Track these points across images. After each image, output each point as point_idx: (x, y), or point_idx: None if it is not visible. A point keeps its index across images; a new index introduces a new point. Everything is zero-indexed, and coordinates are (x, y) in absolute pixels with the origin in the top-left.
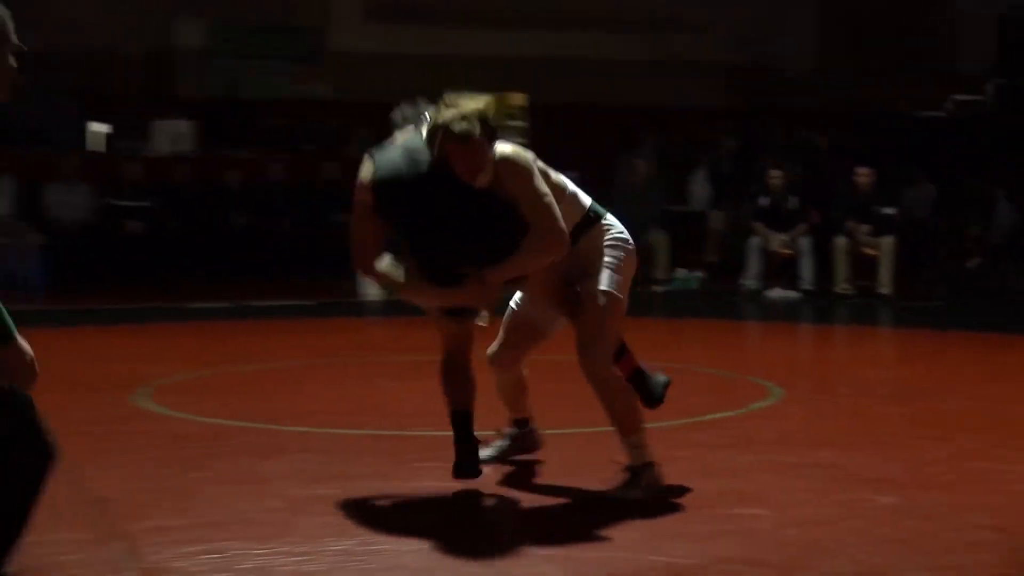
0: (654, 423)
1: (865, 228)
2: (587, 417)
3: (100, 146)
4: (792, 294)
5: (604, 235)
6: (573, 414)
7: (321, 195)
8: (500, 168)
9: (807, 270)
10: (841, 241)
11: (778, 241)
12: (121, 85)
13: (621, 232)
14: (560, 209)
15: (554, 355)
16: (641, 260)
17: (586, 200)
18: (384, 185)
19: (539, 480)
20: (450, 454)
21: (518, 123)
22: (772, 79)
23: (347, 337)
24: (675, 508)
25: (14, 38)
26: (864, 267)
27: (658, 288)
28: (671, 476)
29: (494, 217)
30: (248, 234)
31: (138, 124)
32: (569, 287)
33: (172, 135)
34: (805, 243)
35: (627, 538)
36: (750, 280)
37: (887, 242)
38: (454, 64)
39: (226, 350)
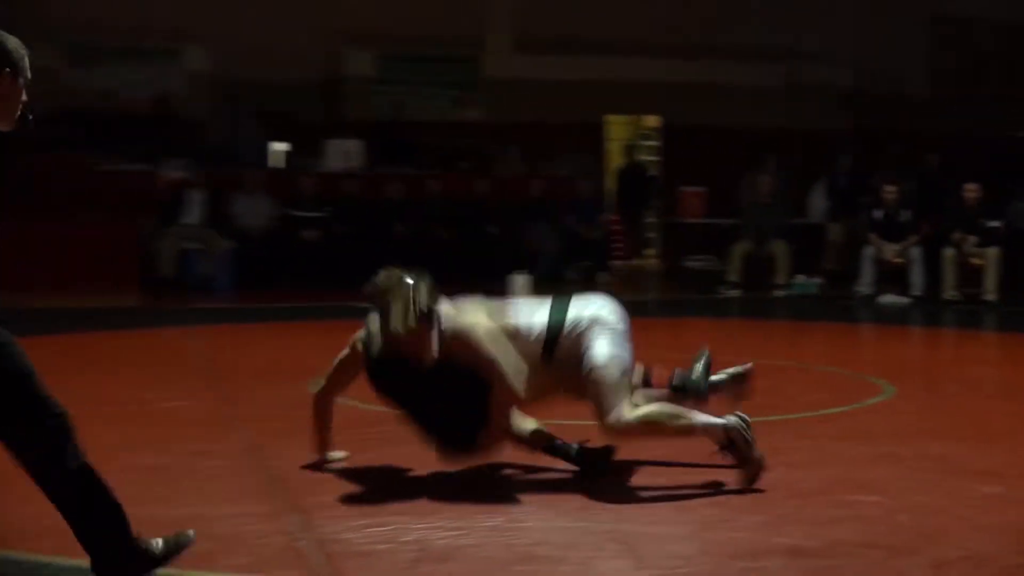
0: (777, 416)
1: (972, 239)
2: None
3: (280, 163)
4: (903, 300)
5: (574, 334)
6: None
7: (474, 208)
8: (453, 344)
9: (918, 278)
10: (950, 251)
11: (891, 251)
12: (299, 109)
13: (589, 320)
14: (519, 344)
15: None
16: (764, 267)
17: (541, 321)
18: (374, 365)
19: (674, 467)
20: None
21: (652, 143)
22: (887, 103)
23: None
24: (795, 494)
25: (28, 73)
26: (971, 275)
27: (779, 293)
28: (792, 465)
29: (463, 382)
30: (408, 242)
31: (313, 143)
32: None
33: (343, 153)
34: (916, 253)
35: (751, 521)
36: (864, 286)
37: (992, 252)
38: (596, 89)
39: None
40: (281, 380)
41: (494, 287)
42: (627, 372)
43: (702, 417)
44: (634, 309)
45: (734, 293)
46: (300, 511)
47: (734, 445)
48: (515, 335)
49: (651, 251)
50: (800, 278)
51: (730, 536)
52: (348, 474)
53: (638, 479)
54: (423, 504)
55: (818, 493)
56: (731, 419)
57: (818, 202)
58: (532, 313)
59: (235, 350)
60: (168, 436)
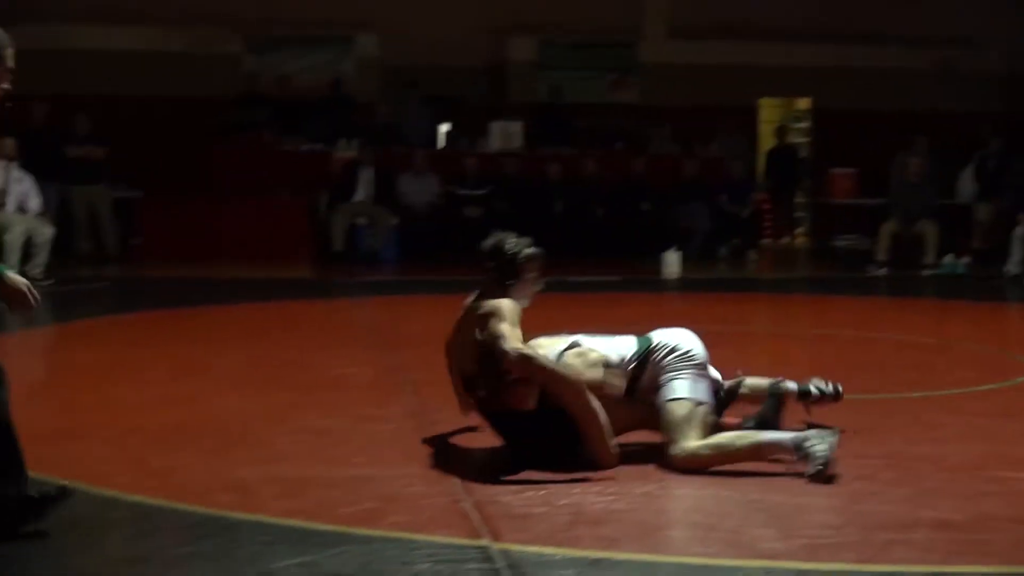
0: (925, 392)
1: None
2: (886, 384)
3: (445, 143)
4: None
5: (656, 364)
6: (877, 382)
7: (629, 187)
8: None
9: None
10: None
11: None
12: (464, 93)
13: (670, 350)
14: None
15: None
16: (912, 247)
17: (626, 351)
18: None
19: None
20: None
21: (803, 125)
22: None
23: (649, 308)
24: (944, 468)
25: (10, 62)
26: None
27: (927, 272)
28: (941, 440)
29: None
30: (566, 220)
31: (477, 125)
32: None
33: (504, 134)
34: None
35: (898, 494)
36: (1013, 266)
37: None
38: (748, 73)
39: (547, 316)
40: (443, 349)
41: (647, 264)
42: (702, 404)
43: (768, 435)
44: (782, 287)
45: (882, 272)
46: (460, 473)
47: (806, 455)
48: (607, 366)
49: (800, 230)
50: (948, 258)
51: (877, 508)
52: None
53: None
54: (580, 470)
55: (967, 468)
56: (792, 435)
57: (967, 183)
58: (619, 346)
59: (400, 320)
60: (336, 400)
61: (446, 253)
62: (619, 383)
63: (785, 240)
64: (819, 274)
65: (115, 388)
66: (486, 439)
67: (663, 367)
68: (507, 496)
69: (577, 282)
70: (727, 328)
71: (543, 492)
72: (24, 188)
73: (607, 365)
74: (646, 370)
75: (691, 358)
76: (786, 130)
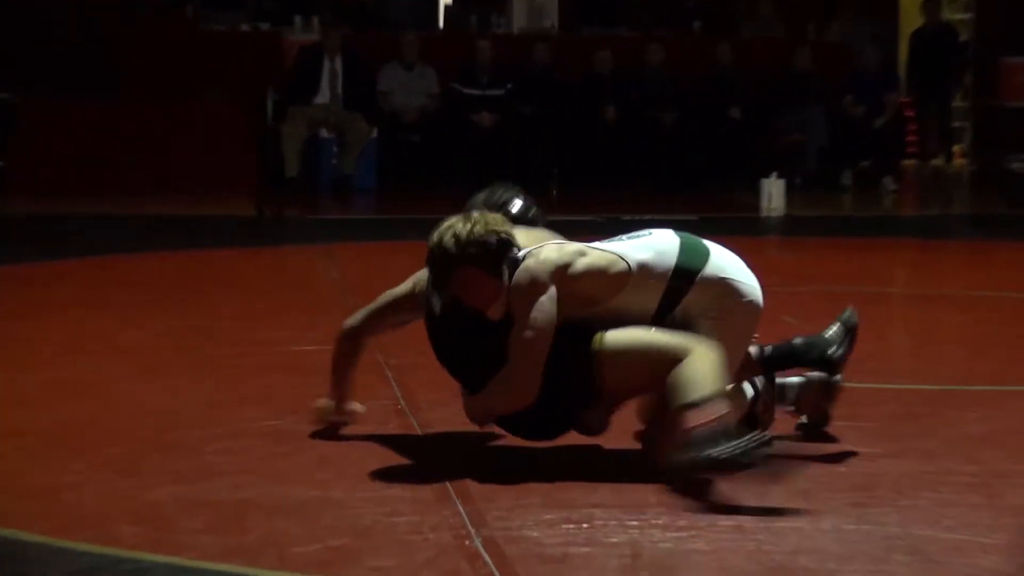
0: None
1: None
2: None
3: (446, 22)
4: None
5: (713, 297)
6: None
7: (710, 83)
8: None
9: None
10: None
11: None
12: None
13: (736, 290)
14: (628, 297)
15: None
16: None
17: (667, 260)
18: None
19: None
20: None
21: None
22: None
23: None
24: None
25: None
26: None
27: None
28: None
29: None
30: (620, 132)
31: None
32: None
33: (532, 9)
34: None
35: None
36: None
37: None
38: None
39: None
40: None
41: (737, 195)
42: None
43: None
44: (932, 228)
45: None
46: (468, 497)
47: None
48: (612, 287)
49: (958, 147)
50: None
51: None
52: (537, 449)
53: (920, 464)
54: (639, 493)
55: None
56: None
57: None
58: (652, 248)
59: (378, 276)
60: (289, 391)
61: (445, 179)
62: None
63: (937, 161)
64: (984, 209)
65: None
66: (498, 448)
67: (713, 299)
68: (533, 529)
69: (636, 222)
70: (851, 288)
71: (585, 525)
72: None
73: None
74: (683, 301)
75: (751, 299)
76: (939, 4)
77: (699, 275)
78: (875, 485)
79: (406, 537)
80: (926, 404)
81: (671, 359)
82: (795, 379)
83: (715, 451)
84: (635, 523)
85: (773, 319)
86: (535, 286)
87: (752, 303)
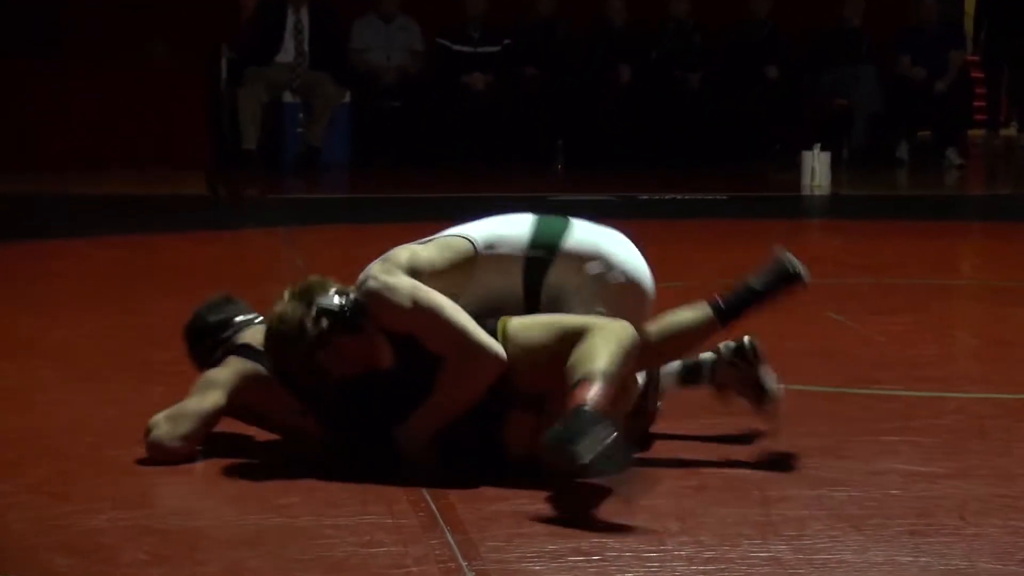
0: None
1: None
2: None
3: None
4: None
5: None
6: None
7: (742, 40)
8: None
9: None
10: None
11: None
12: None
13: (609, 264)
14: (485, 279)
15: None
16: None
17: (519, 231)
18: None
19: None
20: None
21: None
22: None
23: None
24: None
25: None
26: None
27: None
28: None
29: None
30: (637, 95)
31: None
32: None
33: None
34: None
35: None
36: None
37: None
38: None
39: None
40: None
41: (774, 170)
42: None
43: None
44: (1003, 208)
45: None
46: (458, 525)
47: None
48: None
49: None
50: None
51: None
52: (526, 469)
53: (989, 485)
54: (660, 518)
55: None
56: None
57: None
58: (498, 221)
59: (351, 265)
60: None
61: (430, 153)
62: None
63: (1008, 131)
64: None
65: None
66: (498, 470)
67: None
68: (534, 562)
69: (655, 202)
70: (907, 279)
71: (596, 558)
72: None
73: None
74: (548, 276)
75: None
76: None
77: (560, 247)
78: (935, 510)
79: (386, 571)
80: (996, 415)
81: (575, 337)
82: (706, 354)
83: (580, 447)
84: (654, 555)
85: (815, 315)
86: (398, 290)
87: (633, 284)
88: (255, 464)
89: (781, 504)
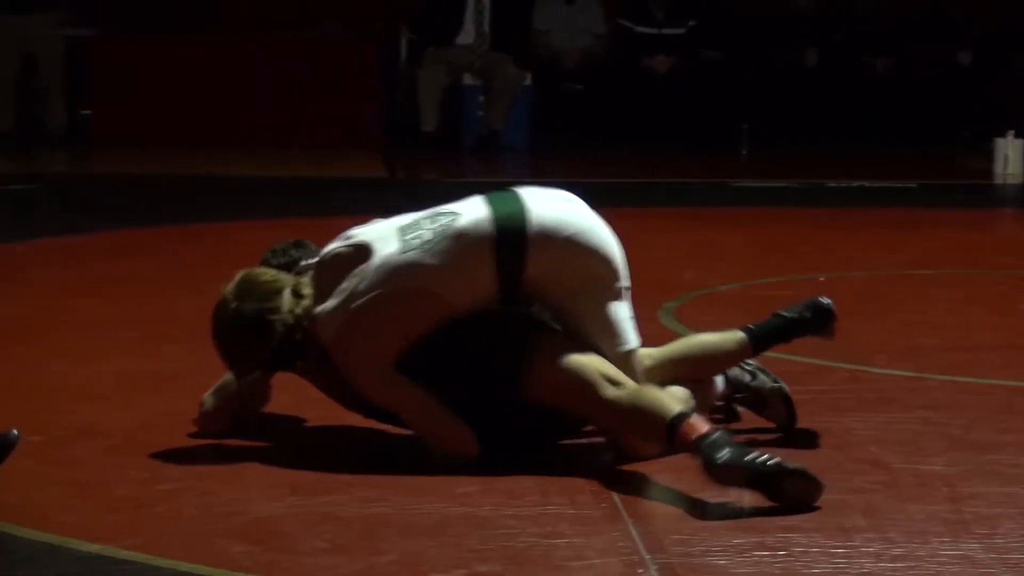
0: None
1: None
2: None
3: None
4: None
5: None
6: None
7: (934, 22)
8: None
9: None
10: None
11: None
12: None
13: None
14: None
15: None
16: None
17: (480, 231)
18: None
19: None
20: None
21: None
22: None
23: (969, 239)
24: None
25: None
26: None
27: None
28: None
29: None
30: (822, 80)
31: None
32: None
33: None
34: None
35: None
36: None
37: None
38: None
39: (790, 250)
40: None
41: (964, 156)
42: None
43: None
44: None
45: None
46: (640, 516)
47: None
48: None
49: None
50: None
51: None
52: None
53: None
54: (831, 513)
55: None
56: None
57: None
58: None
59: None
60: None
61: (611, 137)
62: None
63: None
64: None
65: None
66: (677, 458)
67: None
68: (719, 556)
69: (841, 189)
70: None
71: (782, 552)
72: None
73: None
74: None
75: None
76: None
77: (525, 234)
78: None
79: (567, 563)
80: None
81: (605, 384)
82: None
83: (746, 458)
84: (841, 550)
85: (1007, 308)
86: (367, 370)
87: (603, 256)
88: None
89: (972, 501)
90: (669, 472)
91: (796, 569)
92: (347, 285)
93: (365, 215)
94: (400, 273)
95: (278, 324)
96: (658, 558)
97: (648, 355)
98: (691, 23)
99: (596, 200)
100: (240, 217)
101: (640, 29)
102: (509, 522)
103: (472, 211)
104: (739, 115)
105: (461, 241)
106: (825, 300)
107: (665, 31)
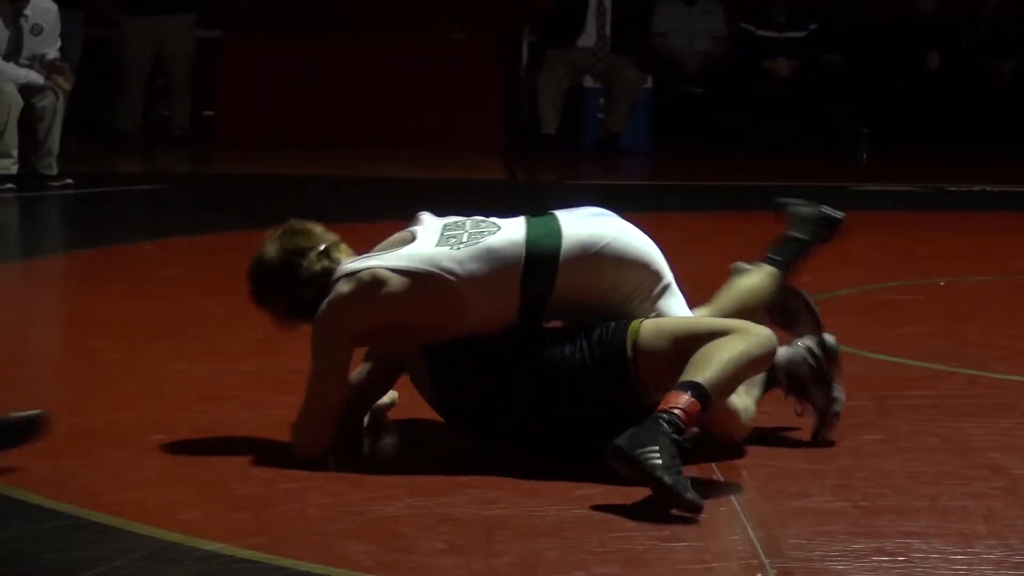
0: None
1: None
2: None
3: None
4: None
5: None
6: None
7: None
8: None
9: None
10: None
11: None
12: None
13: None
14: (478, 312)
15: None
16: None
17: (512, 254)
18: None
19: None
20: None
21: None
22: None
23: None
24: None
25: None
26: None
27: None
28: None
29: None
30: (945, 83)
31: None
32: None
33: None
34: None
35: None
36: None
37: None
38: None
39: (911, 254)
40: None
41: None
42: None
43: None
44: None
45: None
46: (760, 520)
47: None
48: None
49: None
50: None
51: None
52: (833, 463)
53: None
54: (952, 520)
55: None
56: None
57: None
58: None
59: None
60: None
61: (731, 140)
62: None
63: None
64: None
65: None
66: (796, 462)
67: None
68: (838, 561)
69: (962, 193)
70: None
71: (901, 558)
72: (47, 22)
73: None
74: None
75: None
76: None
77: (558, 260)
78: None
79: (686, 567)
80: None
81: (704, 340)
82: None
83: (653, 459)
84: (961, 557)
85: None
86: (323, 325)
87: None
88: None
89: None
90: (787, 476)
91: (915, 575)
92: (375, 253)
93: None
94: (429, 260)
95: (302, 271)
96: (777, 562)
97: (704, 315)
98: (812, 26)
99: (713, 203)
100: (363, 218)
101: (762, 32)
102: (628, 525)
103: (511, 230)
104: (860, 119)
105: (492, 255)
106: (836, 213)
107: (786, 34)
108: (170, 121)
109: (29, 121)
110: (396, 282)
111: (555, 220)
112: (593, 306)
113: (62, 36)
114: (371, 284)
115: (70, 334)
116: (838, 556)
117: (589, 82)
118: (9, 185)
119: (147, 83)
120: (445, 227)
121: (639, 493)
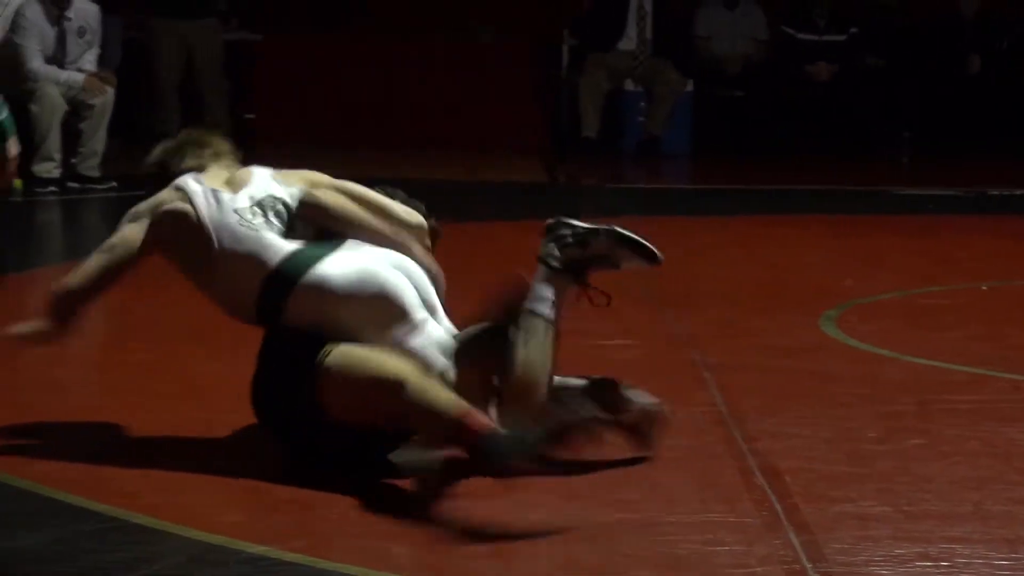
0: None
1: None
2: None
3: None
4: None
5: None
6: None
7: None
8: None
9: None
10: None
11: None
12: None
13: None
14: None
15: None
16: None
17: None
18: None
19: None
20: None
21: None
22: None
23: None
24: None
25: None
26: None
27: None
28: None
29: None
30: (986, 86)
31: None
32: None
33: None
34: None
35: None
36: None
37: None
38: None
39: (952, 258)
40: (783, 309)
41: None
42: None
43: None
44: None
45: None
46: (802, 524)
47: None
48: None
49: None
50: None
51: None
52: (875, 468)
53: None
54: (995, 524)
55: None
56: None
57: None
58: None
59: (694, 259)
60: None
61: (772, 144)
62: None
63: None
64: None
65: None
66: (838, 465)
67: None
68: (880, 566)
69: (1004, 197)
70: None
71: (945, 563)
72: (89, 24)
73: None
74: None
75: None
76: None
77: (296, 285)
78: None
79: (727, 571)
80: None
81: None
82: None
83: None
84: (1005, 562)
85: None
86: (137, 207)
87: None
88: (591, 460)
89: None
90: (829, 480)
91: None
92: (215, 178)
93: (525, 220)
94: (215, 219)
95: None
96: (820, 567)
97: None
98: (853, 30)
99: (754, 206)
100: None
101: (802, 36)
102: (669, 528)
103: (294, 242)
104: (900, 122)
105: (256, 248)
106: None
107: (827, 38)
108: (206, 124)
109: (71, 124)
110: (178, 214)
111: (330, 249)
112: (328, 330)
113: (103, 39)
114: (167, 201)
115: (105, 335)
116: (881, 561)
117: (630, 85)
118: (52, 188)
119: (182, 86)
120: (257, 203)
121: (680, 497)
